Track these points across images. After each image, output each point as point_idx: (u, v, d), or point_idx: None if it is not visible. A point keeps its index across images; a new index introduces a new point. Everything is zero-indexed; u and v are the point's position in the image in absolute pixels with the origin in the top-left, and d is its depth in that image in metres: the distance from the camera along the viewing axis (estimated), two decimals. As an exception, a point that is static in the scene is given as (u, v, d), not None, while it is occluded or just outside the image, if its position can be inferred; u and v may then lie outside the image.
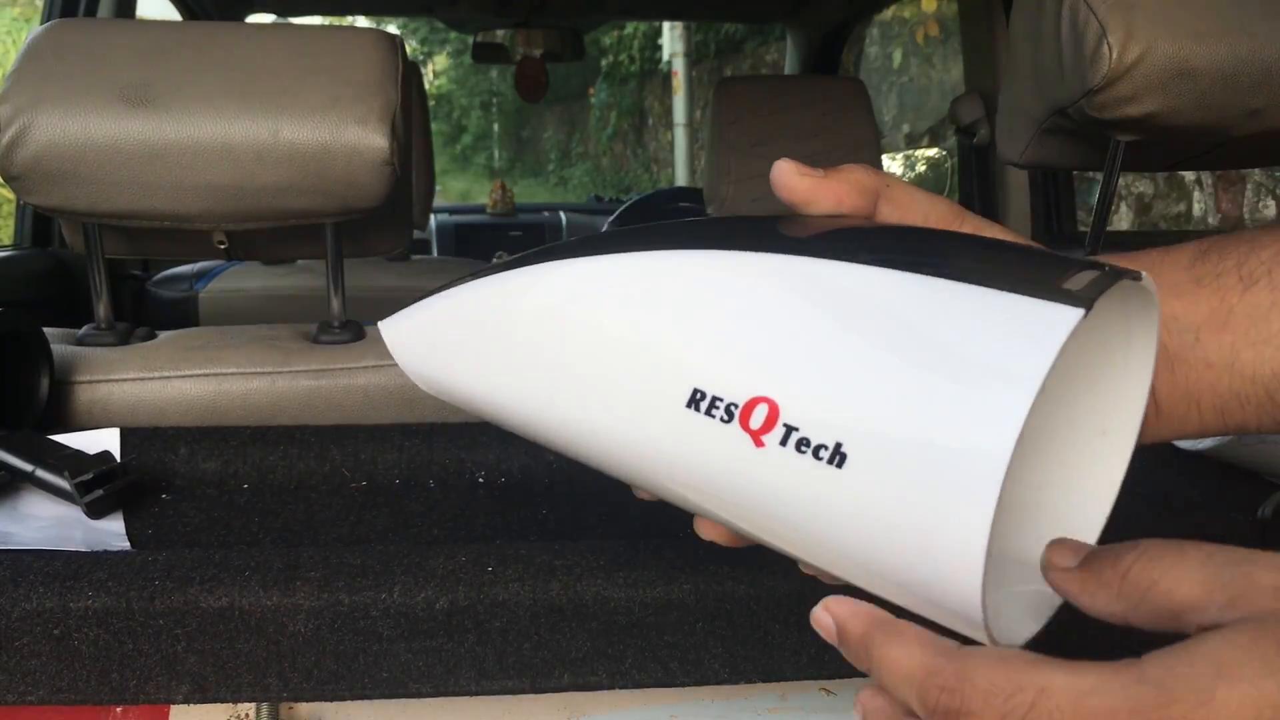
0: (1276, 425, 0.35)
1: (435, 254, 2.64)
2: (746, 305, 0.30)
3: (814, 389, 0.28)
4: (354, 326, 0.79)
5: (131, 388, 0.71)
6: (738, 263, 0.31)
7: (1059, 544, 0.30)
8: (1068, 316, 0.25)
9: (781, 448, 0.28)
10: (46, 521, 0.56)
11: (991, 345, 0.26)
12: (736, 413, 0.29)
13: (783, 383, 0.28)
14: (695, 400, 0.30)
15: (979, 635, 0.27)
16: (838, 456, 0.27)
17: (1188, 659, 0.24)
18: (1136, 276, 0.29)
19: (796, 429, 0.28)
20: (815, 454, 0.27)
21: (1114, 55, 0.60)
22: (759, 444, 0.28)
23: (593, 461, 0.35)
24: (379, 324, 0.41)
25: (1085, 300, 0.26)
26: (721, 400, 0.29)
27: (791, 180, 0.36)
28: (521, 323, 0.35)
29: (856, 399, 0.27)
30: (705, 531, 0.36)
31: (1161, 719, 0.23)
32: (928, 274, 0.28)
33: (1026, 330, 0.26)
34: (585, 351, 0.33)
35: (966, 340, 0.26)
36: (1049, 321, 0.25)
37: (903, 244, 0.32)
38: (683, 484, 0.32)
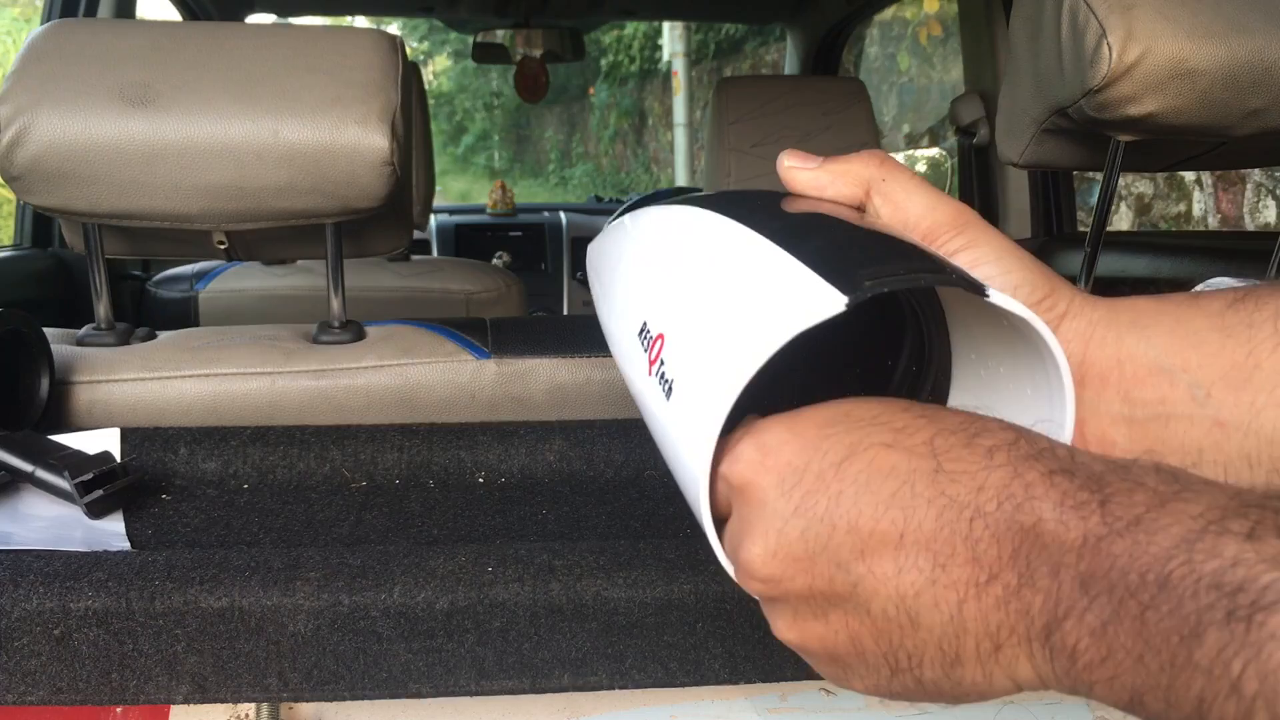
0: None
1: (435, 254, 2.64)
2: (672, 250, 0.40)
3: (676, 327, 0.35)
4: (354, 326, 0.79)
5: (131, 388, 0.71)
6: (689, 215, 0.41)
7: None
8: (831, 301, 0.29)
9: (651, 377, 0.36)
10: (46, 521, 0.56)
11: (764, 305, 0.31)
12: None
13: (664, 320, 0.36)
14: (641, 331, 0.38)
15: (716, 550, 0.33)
16: (668, 386, 0.34)
17: None
18: (980, 291, 0.30)
19: (663, 362, 0.35)
20: (662, 381, 0.34)
21: (1114, 55, 0.60)
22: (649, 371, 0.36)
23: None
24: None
25: (856, 292, 0.29)
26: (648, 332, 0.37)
27: (789, 174, 0.40)
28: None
29: (685, 342, 0.34)
30: None
31: None
32: (759, 233, 0.35)
33: (794, 300, 0.30)
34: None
35: (755, 295, 0.32)
36: (816, 299, 0.29)
37: (766, 208, 0.38)
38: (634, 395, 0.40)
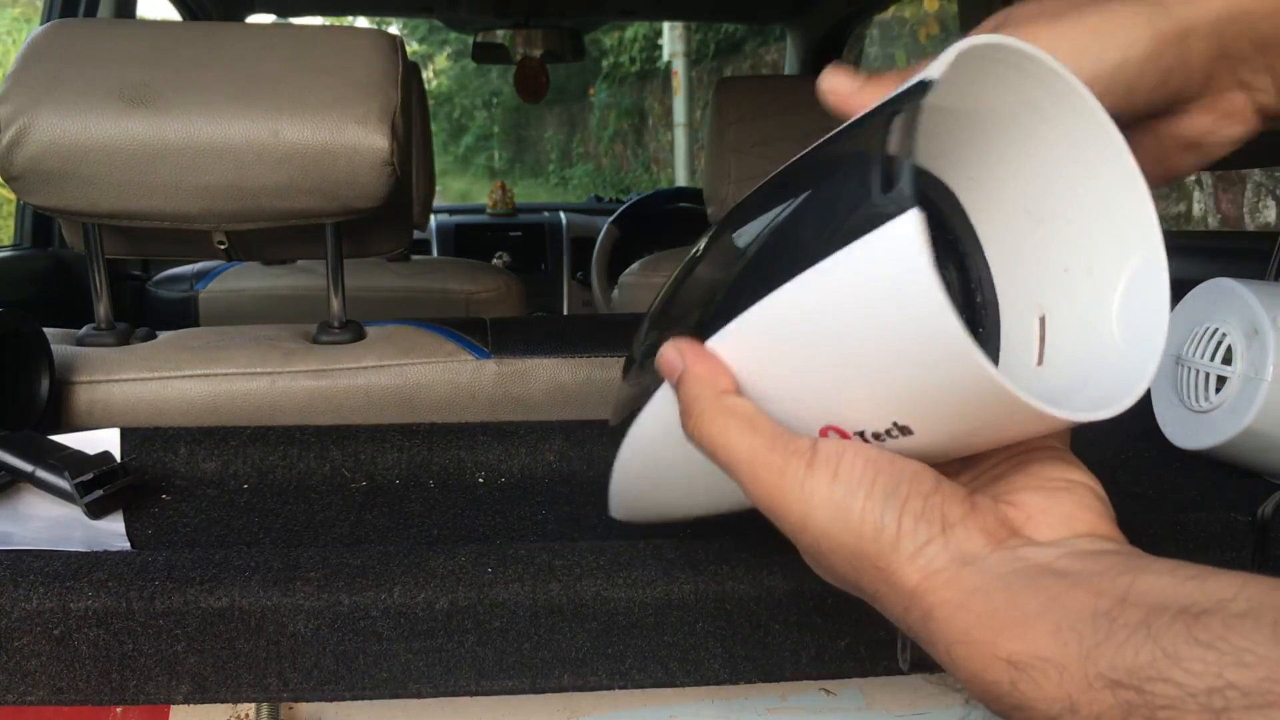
0: None
1: (435, 254, 2.64)
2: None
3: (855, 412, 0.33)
4: (354, 326, 0.79)
5: (131, 388, 0.71)
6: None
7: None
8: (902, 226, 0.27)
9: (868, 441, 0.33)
10: (46, 521, 0.56)
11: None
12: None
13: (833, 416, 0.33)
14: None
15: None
16: (903, 432, 0.32)
17: None
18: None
19: (863, 432, 0.33)
20: (889, 437, 0.32)
21: (1114, 55, 0.60)
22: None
23: None
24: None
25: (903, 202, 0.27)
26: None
27: (836, 86, 0.37)
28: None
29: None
30: None
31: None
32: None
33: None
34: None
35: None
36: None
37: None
38: None
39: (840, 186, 0.30)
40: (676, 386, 0.35)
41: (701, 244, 0.40)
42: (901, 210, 0.27)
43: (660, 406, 0.39)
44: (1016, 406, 0.29)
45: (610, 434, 0.44)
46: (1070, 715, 0.26)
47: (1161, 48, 0.34)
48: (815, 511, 0.31)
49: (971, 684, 0.29)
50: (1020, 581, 0.29)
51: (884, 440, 0.32)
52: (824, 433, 0.33)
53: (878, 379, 0.31)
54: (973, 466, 0.35)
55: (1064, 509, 0.32)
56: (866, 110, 0.32)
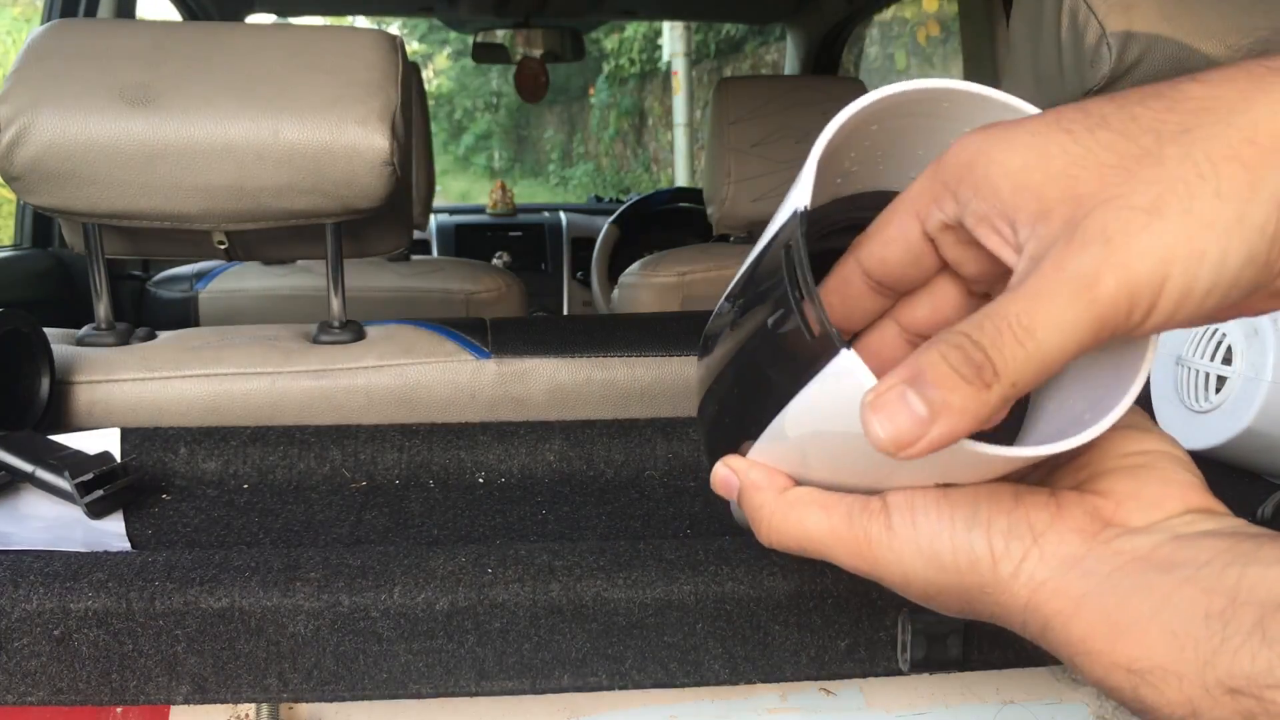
0: None
1: (435, 254, 2.64)
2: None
3: None
4: (354, 326, 0.79)
5: (131, 388, 0.71)
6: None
7: None
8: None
9: None
10: (46, 521, 0.56)
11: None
12: None
13: None
14: None
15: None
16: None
17: None
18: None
19: None
20: None
21: (1114, 55, 0.60)
22: None
23: None
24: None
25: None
26: None
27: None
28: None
29: None
30: None
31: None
32: None
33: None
34: None
35: None
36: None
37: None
38: None
39: (782, 336, 0.32)
40: (739, 502, 0.37)
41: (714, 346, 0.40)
42: (833, 353, 0.29)
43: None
44: (1015, 462, 0.30)
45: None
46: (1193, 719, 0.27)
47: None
48: (910, 565, 0.32)
49: (1100, 688, 0.30)
50: (1127, 582, 0.29)
51: None
52: None
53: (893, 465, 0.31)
54: (1047, 460, 0.34)
55: (1151, 491, 0.32)
56: (767, 240, 0.34)
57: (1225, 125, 0.26)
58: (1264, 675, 0.25)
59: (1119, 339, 0.28)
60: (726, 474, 0.38)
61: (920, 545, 0.32)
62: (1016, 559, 0.30)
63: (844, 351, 0.29)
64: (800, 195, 0.32)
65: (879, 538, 0.33)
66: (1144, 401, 0.65)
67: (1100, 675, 0.29)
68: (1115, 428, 0.32)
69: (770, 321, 0.33)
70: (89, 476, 0.56)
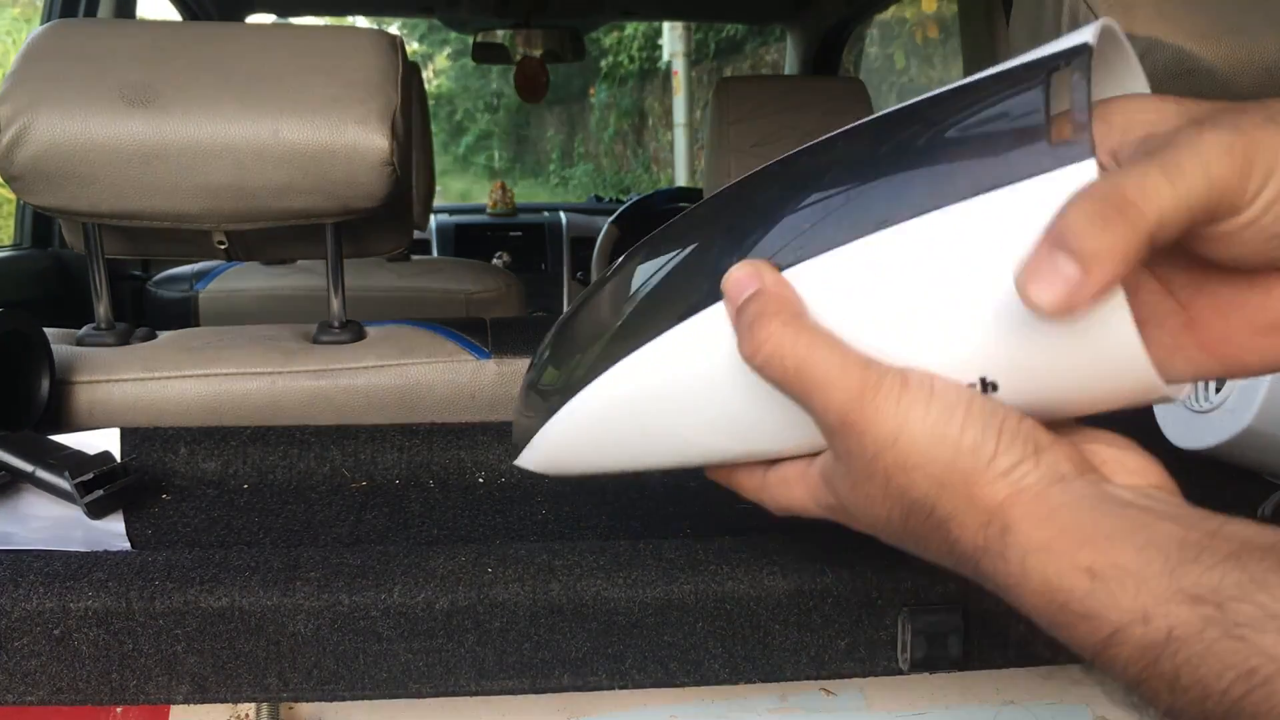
0: None
1: (435, 254, 2.64)
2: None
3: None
4: (354, 326, 0.79)
5: (131, 388, 0.71)
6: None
7: None
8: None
9: None
10: (46, 521, 0.56)
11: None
12: None
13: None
14: None
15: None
16: (987, 388, 0.32)
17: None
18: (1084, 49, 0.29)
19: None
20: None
21: (1114, 55, 0.60)
22: None
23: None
24: (518, 463, 0.45)
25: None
26: None
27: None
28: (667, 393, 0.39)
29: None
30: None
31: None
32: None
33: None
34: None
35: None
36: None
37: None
38: None
39: (1000, 126, 0.30)
40: (742, 306, 0.34)
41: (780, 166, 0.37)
42: (1081, 158, 0.28)
43: (682, 338, 0.37)
44: (1139, 378, 0.30)
45: (577, 365, 0.41)
46: (1140, 625, 0.27)
47: None
48: (910, 426, 0.31)
49: (1038, 594, 0.29)
50: (1108, 504, 0.29)
51: None
52: None
53: (988, 330, 0.31)
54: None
55: (1134, 461, 0.33)
56: (1016, 64, 0.32)
57: None
58: (1231, 589, 0.25)
59: None
60: (748, 275, 0.34)
61: (930, 411, 0.31)
62: (1015, 459, 0.31)
63: (1090, 160, 0.27)
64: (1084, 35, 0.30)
65: (889, 390, 0.31)
66: (1144, 401, 0.65)
67: (1051, 574, 0.29)
68: (1089, 424, 0.34)
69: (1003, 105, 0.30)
70: (89, 476, 0.56)
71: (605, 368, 0.39)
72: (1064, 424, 0.34)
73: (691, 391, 0.37)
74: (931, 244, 0.31)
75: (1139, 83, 0.34)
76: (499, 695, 0.48)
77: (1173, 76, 0.60)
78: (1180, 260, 0.34)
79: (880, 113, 0.35)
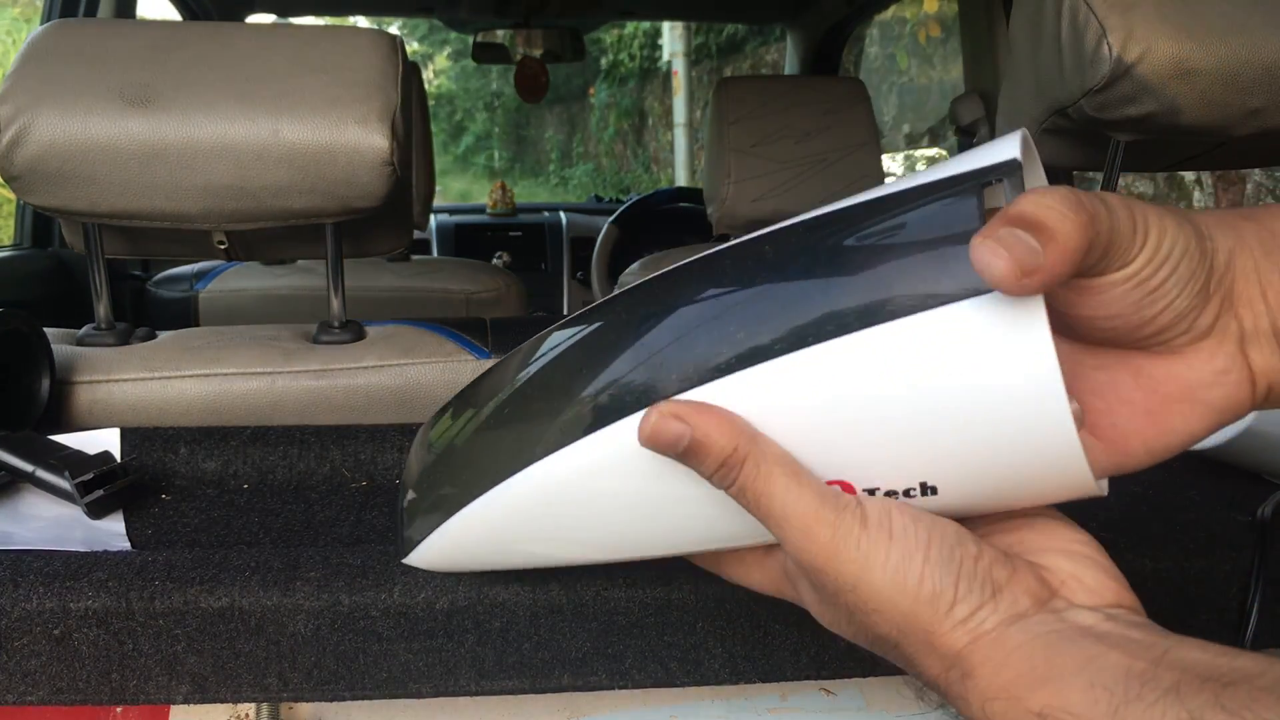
0: None
1: (435, 254, 2.64)
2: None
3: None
4: (354, 326, 0.79)
5: (131, 388, 0.71)
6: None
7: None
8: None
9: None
10: (46, 521, 0.56)
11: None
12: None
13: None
14: None
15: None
16: (927, 492, 0.32)
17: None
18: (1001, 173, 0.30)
19: (875, 489, 0.33)
20: (906, 496, 0.32)
21: (1114, 55, 0.60)
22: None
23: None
24: (409, 561, 0.43)
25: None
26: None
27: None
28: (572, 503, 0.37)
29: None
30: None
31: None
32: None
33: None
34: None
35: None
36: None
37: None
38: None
39: (936, 241, 0.30)
40: (684, 452, 0.32)
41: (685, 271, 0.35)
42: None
43: (606, 443, 0.34)
44: (1075, 476, 0.30)
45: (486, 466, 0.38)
46: None
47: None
48: (871, 573, 0.31)
49: None
50: (1061, 641, 0.30)
51: (897, 499, 0.33)
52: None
53: (923, 438, 0.30)
54: (983, 524, 0.35)
55: (1092, 578, 0.33)
56: (945, 174, 0.31)
57: None
58: None
59: None
60: (674, 425, 0.32)
61: (890, 557, 0.31)
62: (973, 606, 0.31)
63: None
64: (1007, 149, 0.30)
65: (848, 532, 0.31)
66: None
67: None
68: (1051, 519, 0.34)
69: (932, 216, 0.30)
70: (89, 476, 0.56)
71: (518, 467, 0.36)
72: (1016, 534, 0.34)
73: (625, 493, 0.36)
74: (868, 359, 0.30)
75: (1042, 181, 0.35)
76: (499, 695, 0.48)
77: (1173, 76, 0.60)
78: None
79: (809, 215, 0.34)
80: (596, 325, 0.37)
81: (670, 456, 0.33)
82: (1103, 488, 0.33)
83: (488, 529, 0.39)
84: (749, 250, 0.34)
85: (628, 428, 0.34)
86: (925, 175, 0.32)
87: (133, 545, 0.54)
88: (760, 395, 0.32)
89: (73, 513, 0.56)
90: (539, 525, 0.38)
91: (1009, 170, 0.29)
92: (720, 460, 0.32)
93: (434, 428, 0.43)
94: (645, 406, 0.33)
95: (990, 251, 0.27)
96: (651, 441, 0.32)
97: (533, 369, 0.38)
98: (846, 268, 0.31)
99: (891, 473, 0.32)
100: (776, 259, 0.33)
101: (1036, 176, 0.35)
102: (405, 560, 0.43)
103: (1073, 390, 0.34)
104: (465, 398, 0.42)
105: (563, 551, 0.39)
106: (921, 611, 0.31)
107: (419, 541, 0.41)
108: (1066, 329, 0.33)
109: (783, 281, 0.32)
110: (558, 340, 0.38)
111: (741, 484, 0.32)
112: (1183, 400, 0.33)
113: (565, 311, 2.69)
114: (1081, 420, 0.33)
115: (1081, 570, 0.33)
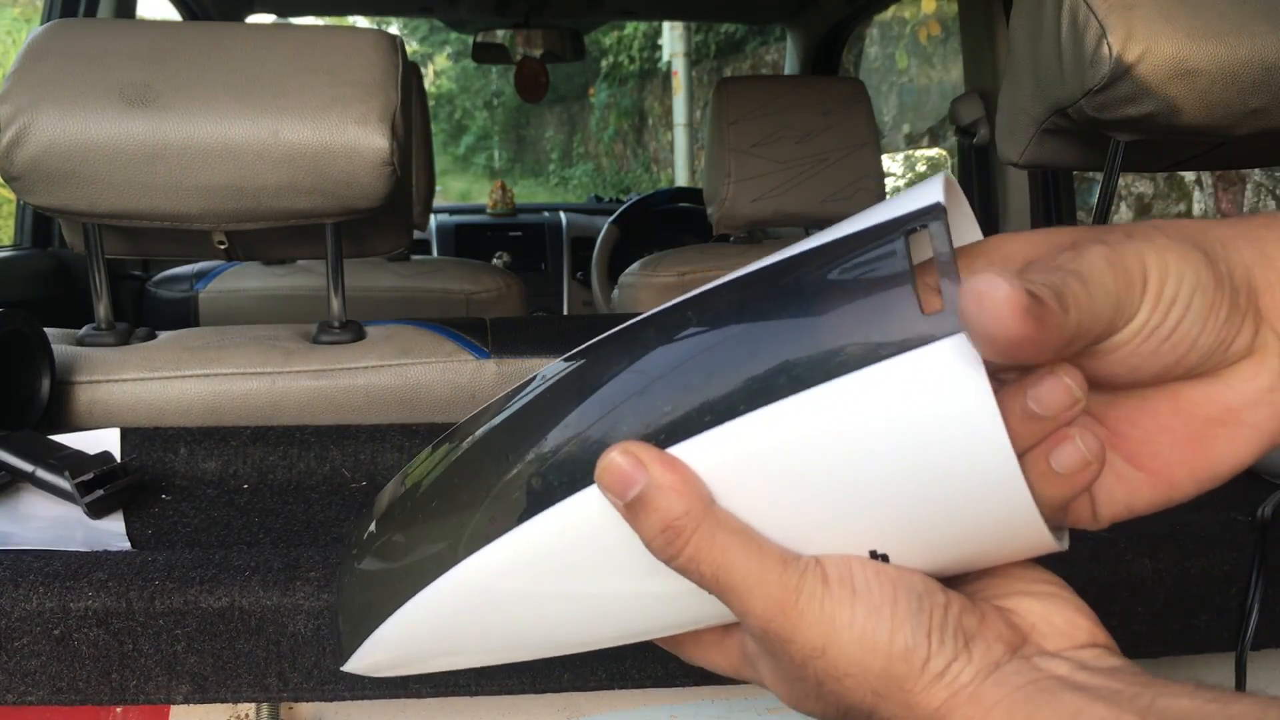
0: None
1: (435, 254, 2.64)
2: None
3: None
4: (354, 326, 0.79)
5: (131, 388, 0.71)
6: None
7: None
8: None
9: None
10: (46, 521, 0.56)
11: None
12: None
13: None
14: None
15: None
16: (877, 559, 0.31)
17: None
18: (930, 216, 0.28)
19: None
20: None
21: (1114, 55, 0.60)
22: None
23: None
24: (347, 668, 0.38)
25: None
26: None
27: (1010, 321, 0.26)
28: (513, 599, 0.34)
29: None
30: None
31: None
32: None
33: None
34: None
35: None
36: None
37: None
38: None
39: (870, 298, 0.28)
40: (633, 502, 0.30)
41: (643, 329, 0.33)
42: (950, 332, 0.26)
43: (552, 524, 0.32)
44: (1031, 537, 0.29)
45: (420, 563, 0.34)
46: None
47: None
48: (838, 635, 0.29)
49: None
50: (1040, 694, 0.28)
51: None
52: None
53: (864, 504, 0.29)
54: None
55: (1062, 619, 0.32)
56: (869, 224, 0.30)
57: None
58: None
59: None
60: (628, 466, 0.30)
61: (855, 616, 0.29)
62: (948, 658, 0.29)
63: (959, 335, 0.26)
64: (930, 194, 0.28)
65: (811, 594, 0.29)
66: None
67: None
68: (1019, 561, 0.33)
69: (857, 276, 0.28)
70: (89, 476, 0.56)
71: (445, 567, 0.33)
72: (987, 580, 0.33)
73: (570, 586, 0.33)
74: (801, 426, 0.29)
75: (974, 229, 0.33)
76: (498, 695, 0.48)
77: (1173, 76, 0.60)
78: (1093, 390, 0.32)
79: (732, 275, 0.32)
80: (523, 403, 0.35)
81: (616, 504, 0.30)
82: (1064, 541, 0.31)
83: (425, 632, 0.36)
84: (673, 318, 0.32)
85: (564, 512, 0.31)
86: (847, 225, 0.30)
87: (133, 545, 0.54)
88: (711, 460, 0.30)
89: (73, 513, 0.56)
90: (477, 628, 0.35)
91: (933, 215, 0.28)
92: (666, 523, 0.30)
93: (358, 525, 0.40)
94: (583, 488, 0.31)
95: (977, 308, 0.25)
96: (601, 477, 0.30)
97: (459, 453, 0.36)
98: (769, 334, 0.29)
99: (836, 541, 0.30)
100: (700, 325, 0.31)
101: (963, 217, 0.33)
102: (343, 669, 0.38)
103: (1105, 420, 0.33)
104: (395, 489, 0.39)
105: (510, 654, 0.37)
106: (895, 669, 0.29)
107: (353, 650, 0.37)
108: (1091, 376, 0.31)
109: (707, 350, 0.30)
110: (480, 424, 0.36)
111: (692, 555, 0.30)
112: (1226, 424, 0.31)
113: (565, 311, 2.69)
114: (1102, 455, 0.30)
115: (1050, 611, 0.32)
